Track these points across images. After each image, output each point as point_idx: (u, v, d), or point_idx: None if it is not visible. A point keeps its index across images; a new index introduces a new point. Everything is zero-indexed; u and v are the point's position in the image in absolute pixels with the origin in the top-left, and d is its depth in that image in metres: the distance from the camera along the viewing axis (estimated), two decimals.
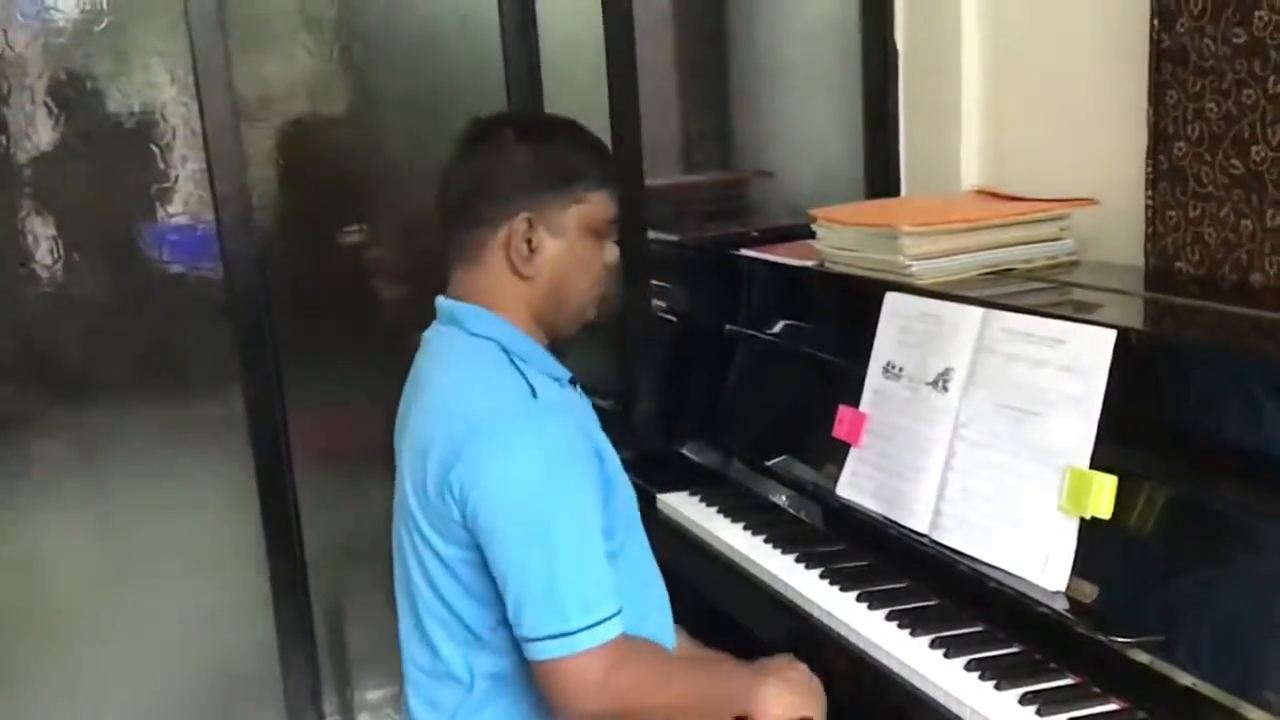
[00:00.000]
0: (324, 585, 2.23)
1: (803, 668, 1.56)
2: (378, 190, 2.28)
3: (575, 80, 2.30)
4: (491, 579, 1.35)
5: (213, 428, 2.15)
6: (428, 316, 1.51)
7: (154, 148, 2.06)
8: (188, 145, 2.06)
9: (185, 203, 2.09)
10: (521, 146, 1.41)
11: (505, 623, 1.36)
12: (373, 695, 2.34)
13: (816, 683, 1.55)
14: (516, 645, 1.37)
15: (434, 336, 1.49)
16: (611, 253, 1.50)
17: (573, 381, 1.48)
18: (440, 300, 1.48)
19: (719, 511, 2.02)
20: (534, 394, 1.35)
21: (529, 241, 1.40)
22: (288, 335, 2.13)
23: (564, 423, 1.37)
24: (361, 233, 2.28)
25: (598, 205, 1.44)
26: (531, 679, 1.37)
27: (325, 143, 2.23)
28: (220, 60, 1.98)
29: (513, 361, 1.39)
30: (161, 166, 2.08)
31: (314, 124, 2.22)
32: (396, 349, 2.24)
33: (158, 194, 2.09)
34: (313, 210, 2.24)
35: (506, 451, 1.31)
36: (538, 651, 1.31)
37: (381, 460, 2.26)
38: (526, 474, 1.31)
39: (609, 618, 1.31)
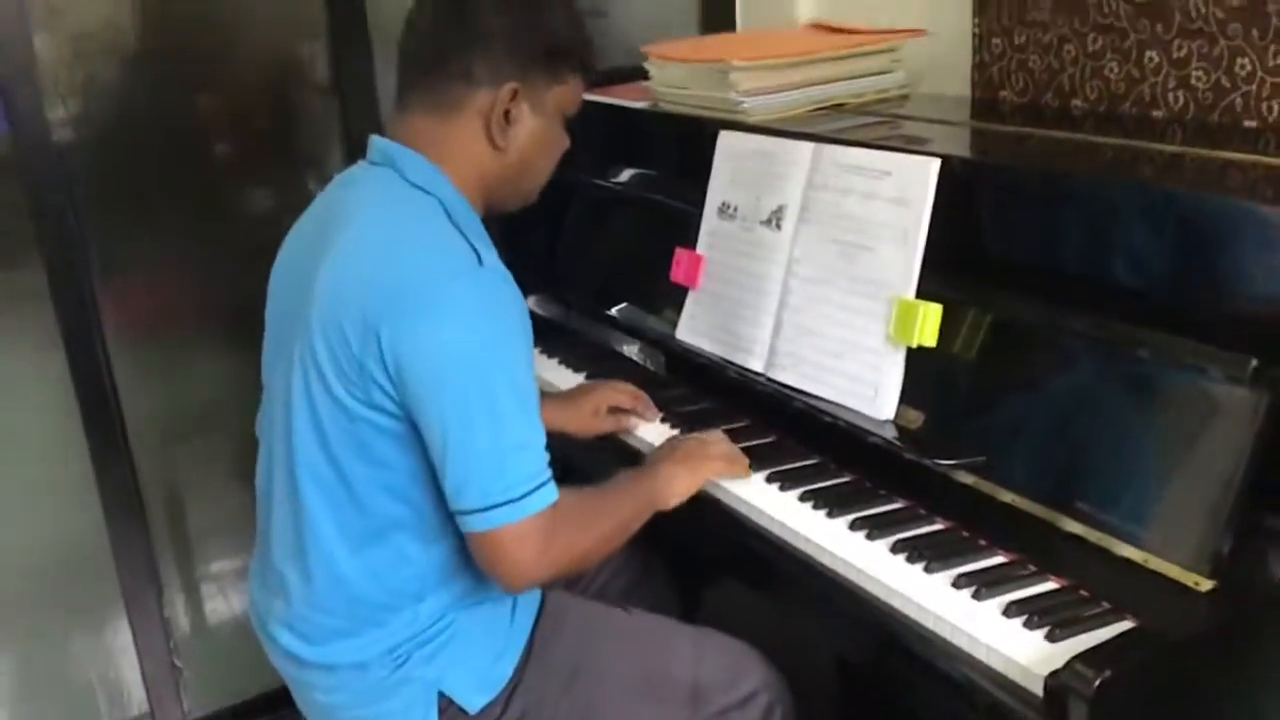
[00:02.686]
0: (151, 459, 2.13)
1: (695, 436, 1.57)
2: (187, 36, 2.08)
3: None
4: (393, 443, 1.31)
5: (10, 299, 2.00)
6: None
7: None
8: None
9: None
10: (525, 11, 1.36)
11: (389, 488, 1.33)
12: (216, 567, 2.28)
13: (712, 439, 1.55)
14: (387, 507, 1.34)
15: (360, 175, 1.40)
16: (567, 140, 1.47)
17: None
18: (376, 139, 1.39)
19: (561, 363, 2.00)
20: (480, 260, 1.27)
21: (507, 113, 1.35)
22: (89, 195, 1.97)
23: (510, 289, 1.30)
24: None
25: (575, 91, 1.42)
26: (401, 539, 1.35)
27: None
28: None
29: (454, 222, 1.31)
30: None
31: None
32: (217, 208, 2.14)
33: None
34: (114, 50, 2.03)
35: (451, 315, 1.25)
36: (483, 522, 1.26)
37: (204, 328, 2.19)
38: (471, 338, 1.25)
39: (547, 481, 1.29)
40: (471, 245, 1.29)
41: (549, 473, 1.30)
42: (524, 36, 1.35)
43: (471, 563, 1.36)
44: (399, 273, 1.27)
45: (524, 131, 1.38)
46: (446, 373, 1.25)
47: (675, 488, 1.47)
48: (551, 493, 1.29)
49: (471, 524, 1.28)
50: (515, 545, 1.28)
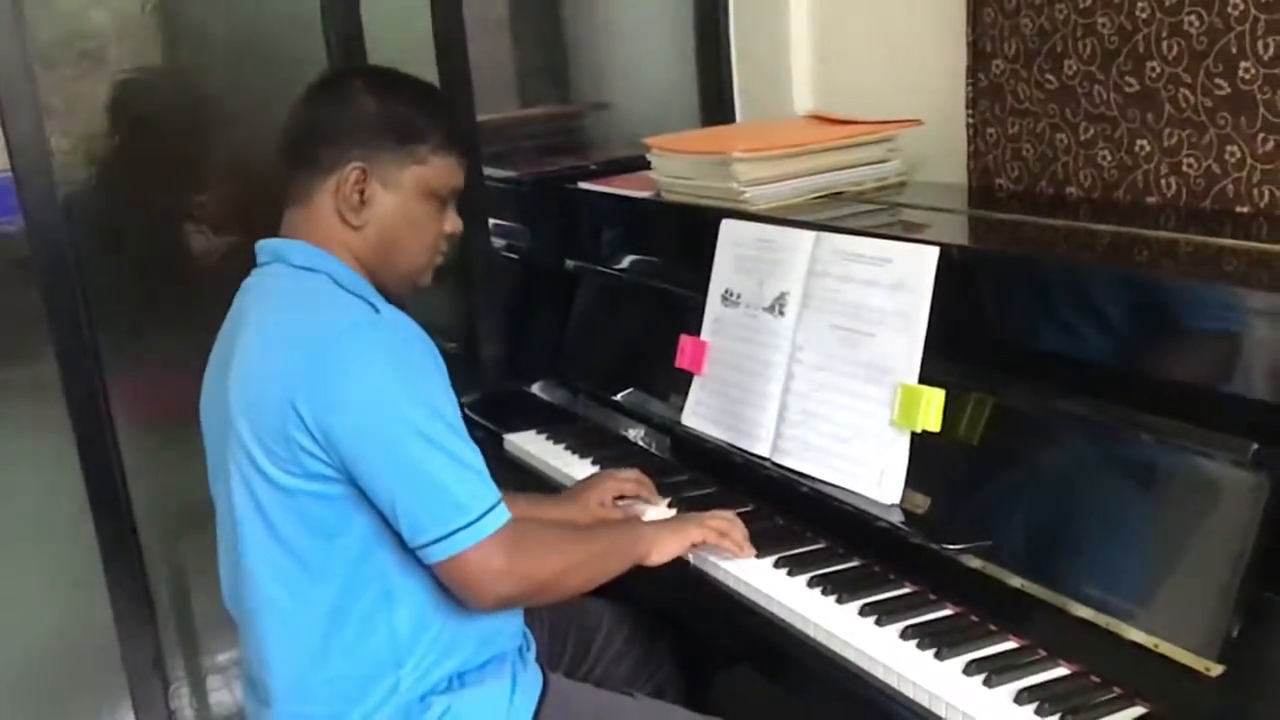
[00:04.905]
0: (158, 550, 2.14)
1: (696, 514, 1.60)
2: (191, 136, 2.15)
3: (398, 10, 2.22)
4: (340, 507, 1.34)
5: (24, 393, 2.03)
6: (250, 266, 1.45)
7: None
8: None
9: None
10: (367, 98, 1.42)
11: (350, 556, 1.35)
12: (221, 658, 2.27)
13: (712, 513, 1.59)
14: (344, 572, 1.36)
15: (253, 281, 1.45)
16: (453, 223, 1.49)
17: None
18: (260, 242, 1.45)
19: (567, 448, 2.01)
20: (376, 310, 1.34)
21: (361, 192, 1.40)
22: (100, 291, 2.01)
23: (411, 329, 1.36)
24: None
25: (439, 170, 1.44)
26: (364, 606, 1.37)
27: (131, 84, 2.09)
28: None
29: (344, 288, 1.37)
30: None
31: (117, 65, 2.08)
32: (219, 301, 2.16)
33: None
34: (120, 157, 2.10)
35: (361, 366, 1.30)
36: (445, 550, 1.31)
37: None
38: (386, 382, 1.30)
39: (498, 502, 1.34)
40: (366, 300, 1.35)
41: (498, 494, 1.35)
42: (364, 123, 1.40)
43: (437, 617, 1.39)
44: (301, 342, 1.32)
45: (380, 208, 1.41)
46: (373, 423, 1.30)
47: (660, 543, 1.52)
48: (504, 513, 1.34)
49: (435, 554, 1.32)
50: (480, 563, 1.32)
